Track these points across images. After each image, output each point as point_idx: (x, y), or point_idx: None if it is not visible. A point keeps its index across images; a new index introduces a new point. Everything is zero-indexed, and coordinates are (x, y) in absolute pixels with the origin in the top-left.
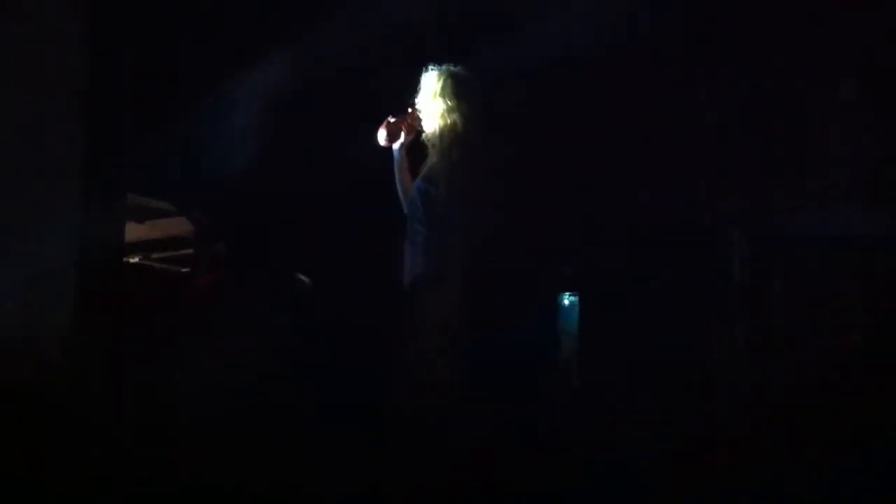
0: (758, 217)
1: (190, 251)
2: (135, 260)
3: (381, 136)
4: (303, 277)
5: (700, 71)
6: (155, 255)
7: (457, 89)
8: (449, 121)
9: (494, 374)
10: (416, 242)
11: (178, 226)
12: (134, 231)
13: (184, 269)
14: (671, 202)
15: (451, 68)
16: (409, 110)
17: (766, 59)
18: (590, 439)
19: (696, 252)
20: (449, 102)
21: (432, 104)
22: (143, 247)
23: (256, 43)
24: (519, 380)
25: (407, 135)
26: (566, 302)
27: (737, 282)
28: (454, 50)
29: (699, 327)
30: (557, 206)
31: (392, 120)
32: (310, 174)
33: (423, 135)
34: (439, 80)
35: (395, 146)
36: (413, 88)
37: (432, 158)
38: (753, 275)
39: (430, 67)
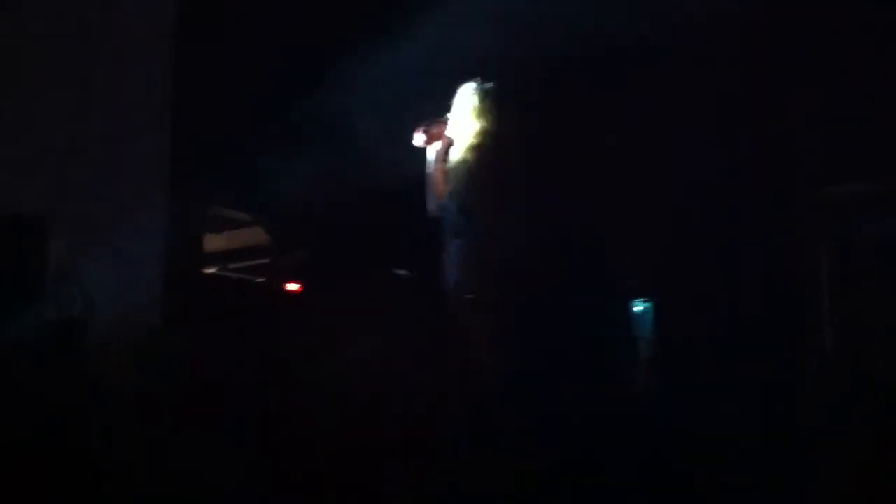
0: (844, 218)
1: (265, 261)
2: (212, 270)
3: (419, 137)
4: (401, 272)
5: (774, 68)
6: (232, 265)
7: (492, 109)
8: (480, 140)
9: (559, 375)
10: (450, 253)
11: (255, 236)
12: (212, 241)
13: (259, 279)
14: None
15: (488, 86)
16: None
17: (850, 57)
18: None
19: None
20: (483, 121)
21: (466, 120)
22: (222, 257)
23: (336, 57)
24: (588, 381)
25: (445, 139)
26: (639, 308)
27: (820, 284)
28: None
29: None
30: (629, 214)
31: (432, 122)
32: (387, 182)
33: (453, 149)
34: (475, 97)
35: (432, 148)
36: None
37: (459, 174)
38: (838, 277)
39: (469, 81)
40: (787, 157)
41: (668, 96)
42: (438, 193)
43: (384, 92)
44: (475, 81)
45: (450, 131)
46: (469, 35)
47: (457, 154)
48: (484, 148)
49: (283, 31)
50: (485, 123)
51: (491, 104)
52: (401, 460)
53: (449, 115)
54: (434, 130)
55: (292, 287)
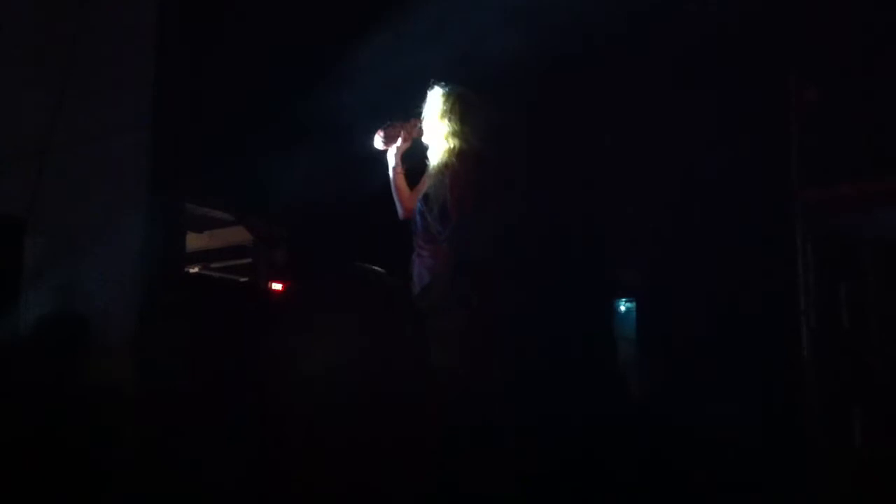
0: (825, 216)
1: (248, 260)
2: (195, 269)
3: (378, 140)
4: (378, 269)
5: (760, 67)
6: (214, 265)
7: (463, 112)
8: (451, 144)
9: (542, 377)
10: (423, 256)
11: (237, 235)
12: (193, 241)
13: (242, 279)
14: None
15: (459, 89)
16: (412, 119)
17: (834, 54)
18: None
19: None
20: (454, 125)
21: (437, 124)
22: (203, 256)
23: (317, 56)
24: (570, 383)
25: (404, 141)
26: (622, 308)
27: (802, 284)
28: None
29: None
30: (612, 212)
31: (390, 125)
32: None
33: (426, 152)
34: (445, 100)
35: (391, 152)
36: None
37: (431, 178)
38: (820, 277)
39: (436, 84)
40: (783, 157)
41: (646, 97)
42: (401, 197)
43: (368, 89)
44: (442, 84)
45: (413, 130)
46: (450, 35)
47: (432, 158)
48: (455, 152)
49: (268, 29)
50: (454, 126)
51: (458, 106)
52: (375, 464)
53: (408, 118)
54: (391, 133)
55: (276, 286)
